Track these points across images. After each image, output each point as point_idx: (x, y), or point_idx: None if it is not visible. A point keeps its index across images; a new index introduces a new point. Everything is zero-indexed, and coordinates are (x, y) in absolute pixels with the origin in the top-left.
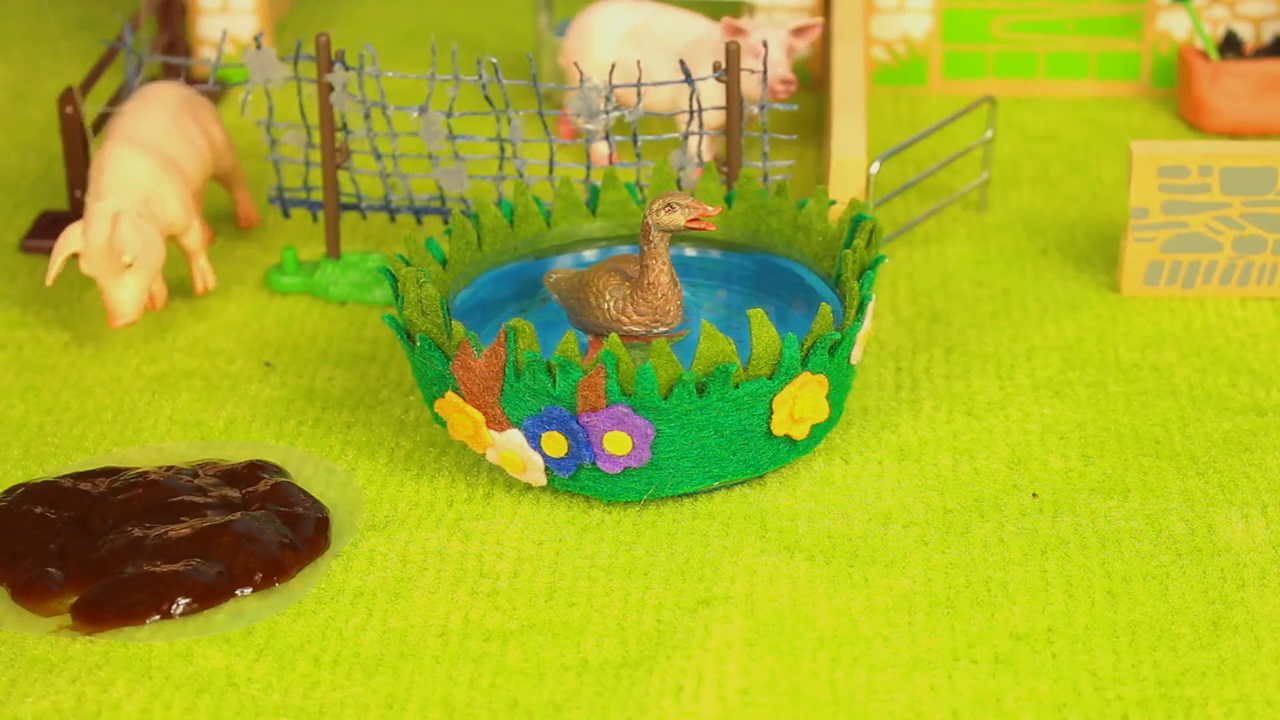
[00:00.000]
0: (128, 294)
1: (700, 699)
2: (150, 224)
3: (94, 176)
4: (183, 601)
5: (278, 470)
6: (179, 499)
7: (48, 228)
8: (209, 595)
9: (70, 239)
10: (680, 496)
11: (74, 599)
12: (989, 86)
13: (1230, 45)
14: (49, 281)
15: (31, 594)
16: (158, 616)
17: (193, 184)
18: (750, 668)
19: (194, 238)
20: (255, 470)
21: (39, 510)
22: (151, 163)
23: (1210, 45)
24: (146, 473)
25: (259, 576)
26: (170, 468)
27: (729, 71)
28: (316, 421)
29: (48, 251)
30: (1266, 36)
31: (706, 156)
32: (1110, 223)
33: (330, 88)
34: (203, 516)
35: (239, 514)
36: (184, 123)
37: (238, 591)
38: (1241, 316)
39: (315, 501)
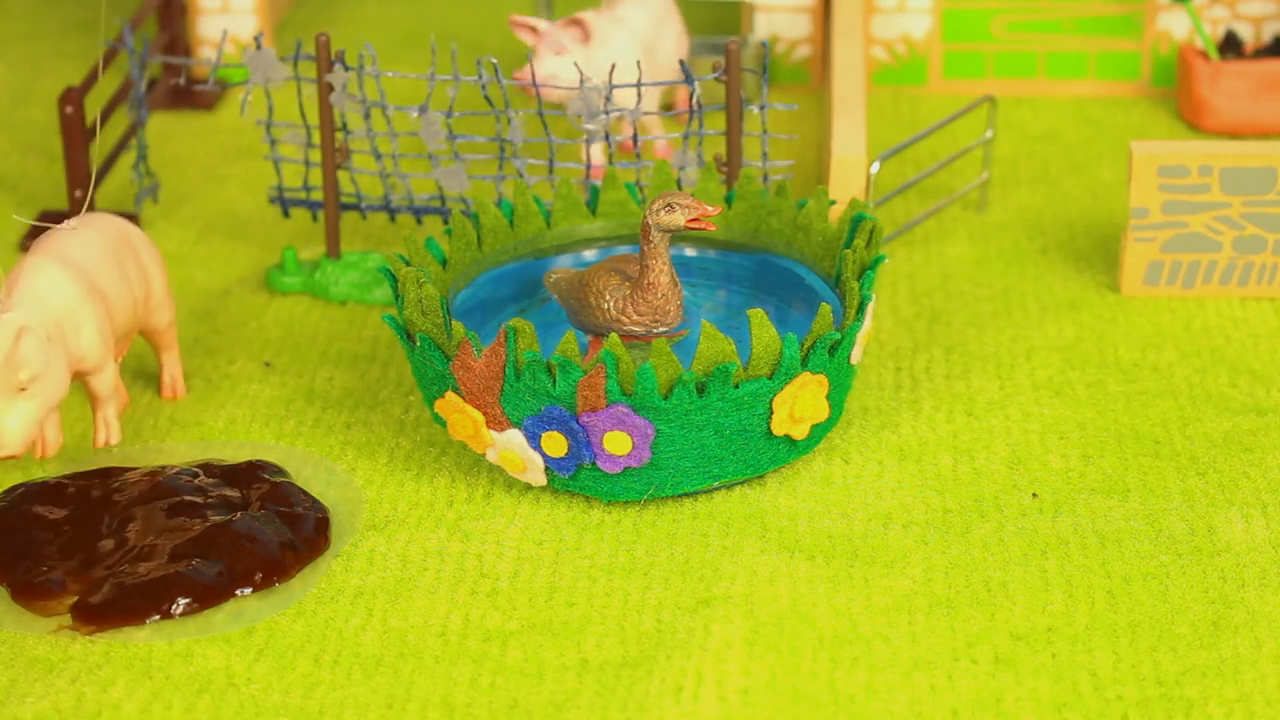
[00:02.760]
0: (16, 420)
1: (700, 699)
2: (59, 350)
3: (7, 287)
4: (183, 601)
5: (278, 470)
6: (179, 499)
7: None
8: (209, 595)
9: None
10: (680, 496)
11: (74, 599)
12: (989, 86)
13: (1230, 45)
14: None
15: (32, 594)
16: (158, 616)
17: (117, 324)
18: (750, 668)
19: (105, 381)
20: (255, 470)
21: (39, 510)
22: (75, 285)
23: (1210, 45)
24: (147, 473)
25: (259, 576)
26: (170, 468)
27: (728, 71)
28: (316, 421)
29: None
30: (1266, 36)
31: (662, 151)
32: (1110, 223)
33: (330, 88)
34: (203, 517)
35: (239, 514)
36: (123, 258)
37: (238, 591)
38: (1241, 316)
39: (315, 501)
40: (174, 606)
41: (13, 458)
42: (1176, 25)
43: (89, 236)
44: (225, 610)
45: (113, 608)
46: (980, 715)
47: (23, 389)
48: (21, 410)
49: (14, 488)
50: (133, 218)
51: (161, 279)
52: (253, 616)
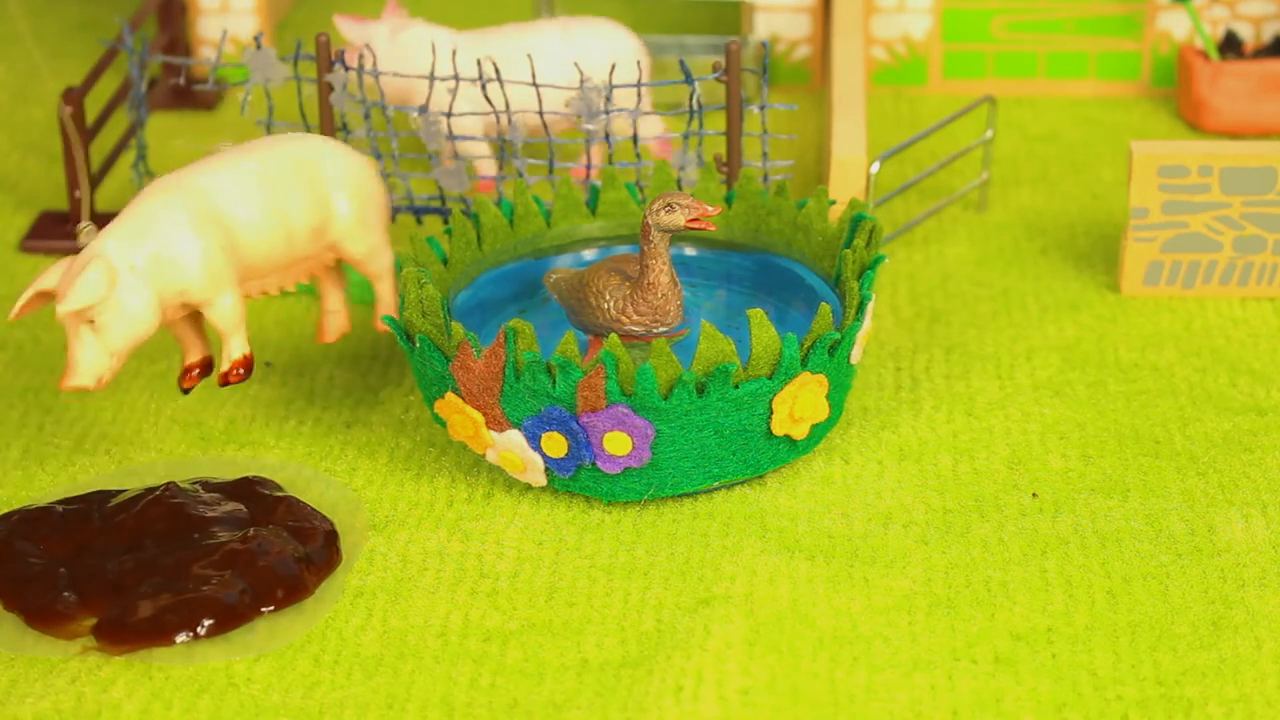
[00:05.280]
0: (86, 354)
1: (700, 699)
2: (147, 284)
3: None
4: (208, 622)
5: (275, 485)
6: (187, 515)
7: (48, 228)
8: (234, 615)
9: (49, 274)
10: (680, 496)
11: (91, 620)
12: (989, 86)
13: (1230, 45)
14: (13, 316)
15: (46, 619)
16: (187, 635)
17: (254, 256)
18: (750, 668)
19: (221, 314)
20: (252, 486)
21: (38, 535)
22: (180, 212)
23: (1210, 45)
24: (144, 492)
25: (281, 594)
26: (168, 487)
27: (728, 71)
28: (316, 421)
29: (48, 251)
30: (1266, 36)
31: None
32: (1110, 223)
33: (330, 88)
34: (213, 534)
35: (251, 530)
36: (287, 186)
37: (262, 610)
38: (1241, 316)
39: (321, 515)
40: (200, 627)
41: (82, 389)
42: (1176, 25)
43: (233, 161)
44: (249, 629)
45: (140, 629)
46: (980, 715)
47: (90, 321)
48: (90, 344)
49: (8, 514)
50: None
51: (355, 209)
52: (266, 630)
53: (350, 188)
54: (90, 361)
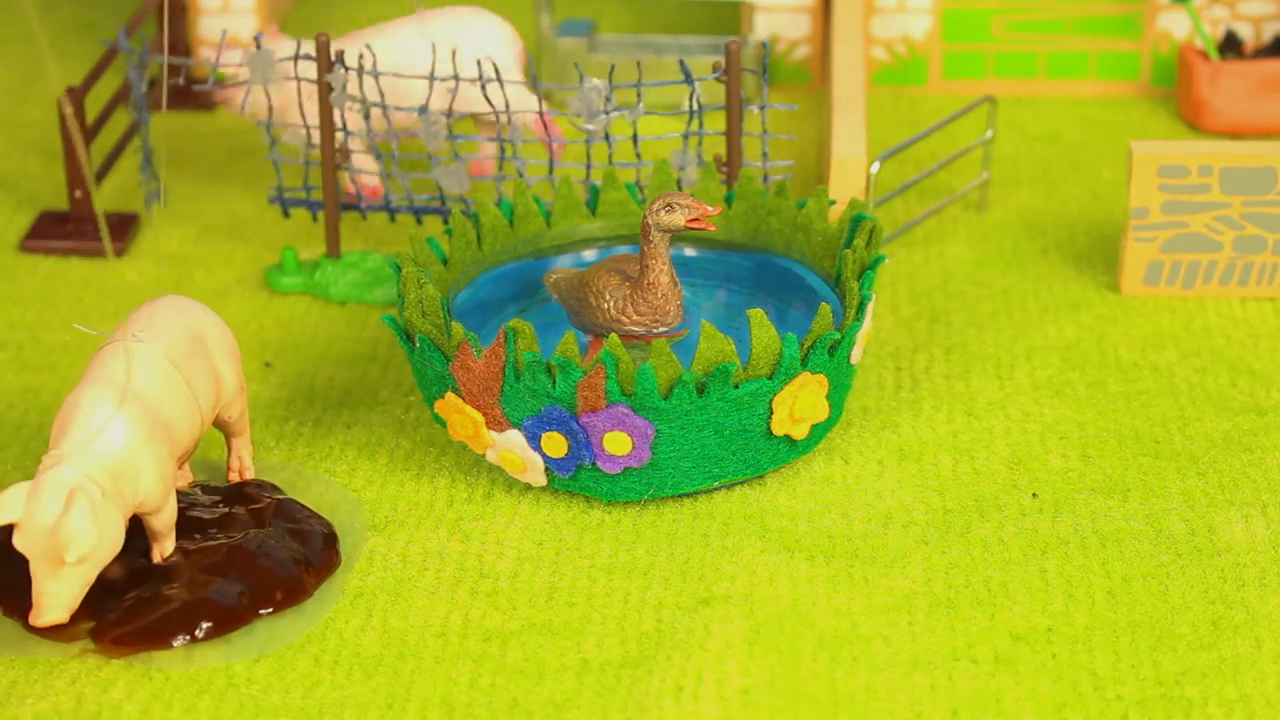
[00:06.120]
0: (62, 589)
1: (700, 699)
2: (113, 505)
3: (58, 427)
4: (205, 625)
5: (274, 487)
6: (186, 517)
7: (48, 228)
8: (233, 618)
9: (8, 503)
10: (680, 496)
11: (89, 624)
12: (989, 86)
13: (1230, 45)
14: None
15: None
16: (185, 638)
17: (180, 446)
18: (750, 668)
19: (164, 519)
20: (252, 488)
21: None
22: (136, 428)
23: (1210, 45)
24: None
25: (279, 595)
26: None
27: (728, 71)
28: (317, 421)
29: (48, 251)
30: (1266, 36)
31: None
32: (1110, 223)
33: (330, 88)
34: (213, 537)
35: (251, 532)
36: (192, 368)
37: (261, 612)
38: (1241, 316)
39: (320, 517)
40: (198, 630)
41: (56, 624)
42: (1176, 25)
43: (153, 354)
44: (247, 630)
45: (137, 632)
46: (980, 715)
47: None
48: (68, 579)
49: None
50: (135, 216)
51: (234, 373)
52: (265, 632)
53: (229, 353)
54: (68, 597)
